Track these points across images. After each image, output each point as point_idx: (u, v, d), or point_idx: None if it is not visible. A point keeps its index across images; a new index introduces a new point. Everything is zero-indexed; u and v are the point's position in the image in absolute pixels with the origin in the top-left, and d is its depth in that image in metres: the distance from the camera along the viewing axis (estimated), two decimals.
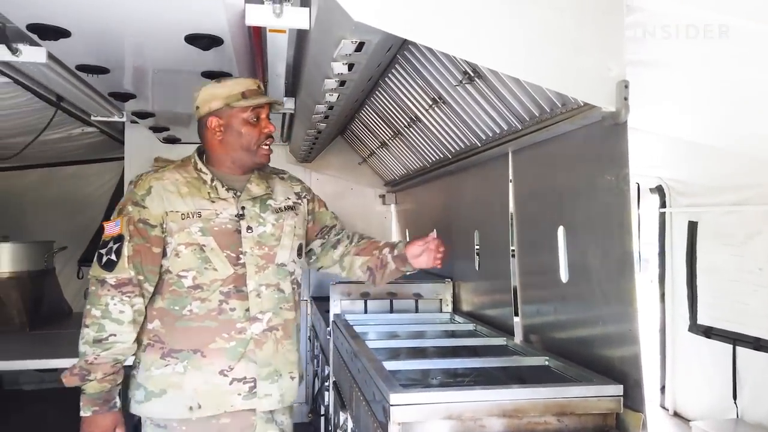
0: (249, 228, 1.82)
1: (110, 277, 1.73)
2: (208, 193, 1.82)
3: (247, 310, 1.79)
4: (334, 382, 2.98)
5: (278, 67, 2.52)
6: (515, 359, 2.22)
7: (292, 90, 3.17)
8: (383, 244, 2.05)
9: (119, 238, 1.75)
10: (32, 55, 2.34)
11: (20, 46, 2.31)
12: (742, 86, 1.88)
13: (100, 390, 1.70)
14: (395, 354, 2.59)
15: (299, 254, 1.96)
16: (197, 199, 1.81)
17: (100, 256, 1.76)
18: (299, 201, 2.01)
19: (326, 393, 3.23)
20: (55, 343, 3.15)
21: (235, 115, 1.82)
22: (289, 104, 3.30)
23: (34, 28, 1.95)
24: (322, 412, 3.37)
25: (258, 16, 1.87)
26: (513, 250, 2.56)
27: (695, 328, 2.87)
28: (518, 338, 2.46)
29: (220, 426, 1.79)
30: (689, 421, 2.83)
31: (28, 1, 1.77)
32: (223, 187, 1.84)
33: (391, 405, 1.62)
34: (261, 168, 1.94)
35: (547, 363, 2.07)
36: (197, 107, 1.87)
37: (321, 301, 4.03)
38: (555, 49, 1.65)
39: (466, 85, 2.30)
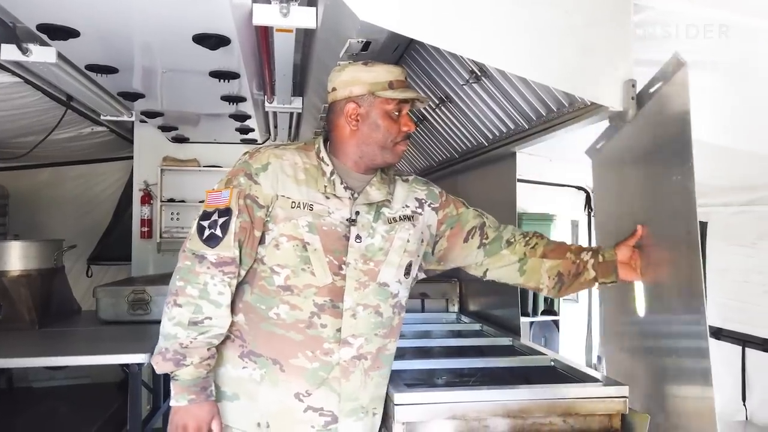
0: (358, 237, 1.58)
1: (211, 254, 1.51)
2: (324, 186, 1.60)
3: (339, 330, 1.55)
4: None
5: (285, 67, 2.53)
6: (521, 359, 2.21)
7: (299, 89, 3.19)
8: (576, 246, 1.75)
9: (226, 212, 1.53)
10: (42, 55, 2.36)
11: (30, 46, 2.33)
12: (753, 85, 1.86)
13: (196, 376, 1.49)
14: (400, 353, 2.56)
15: (407, 274, 1.67)
16: (311, 191, 1.59)
17: (202, 228, 1.54)
18: (420, 210, 1.71)
19: None
20: (64, 340, 3.17)
21: (377, 106, 1.58)
22: (296, 103, 3.31)
23: (43, 28, 1.97)
24: None
25: (265, 16, 1.88)
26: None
27: None
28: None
29: None
30: None
31: (37, 2, 1.79)
32: (341, 184, 1.61)
33: (395, 404, 1.62)
34: (385, 169, 1.70)
35: (553, 364, 2.07)
36: (334, 89, 1.62)
37: None
38: (562, 48, 1.64)
39: (473, 84, 2.30)
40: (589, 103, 1.79)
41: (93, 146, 4.66)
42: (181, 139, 4.56)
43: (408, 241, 1.64)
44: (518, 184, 2.62)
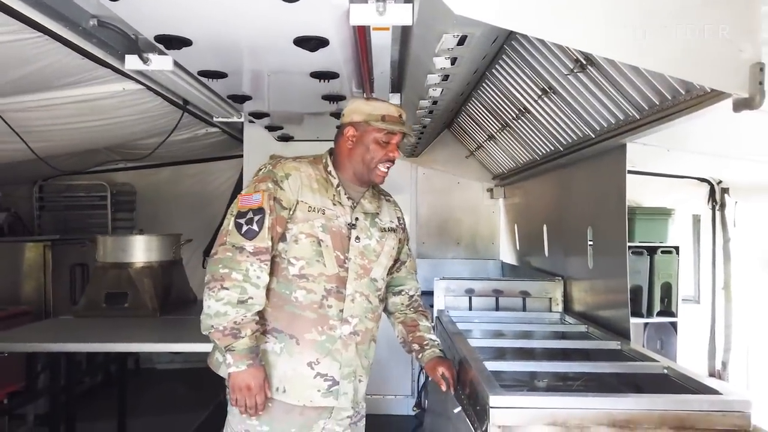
0: (357, 238, 1.97)
1: (249, 245, 1.82)
2: (333, 195, 1.96)
3: (341, 310, 1.92)
4: None
5: (382, 65, 2.53)
6: (630, 365, 2.09)
7: (397, 86, 3.19)
8: (419, 336, 2.14)
9: (260, 210, 1.85)
10: (160, 63, 2.54)
11: (150, 56, 2.52)
12: None
13: (251, 346, 1.79)
14: (500, 354, 2.53)
15: (388, 273, 2.08)
16: (324, 198, 1.94)
17: (239, 225, 1.85)
18: (399, 226, 2.14)
19: (430, 388, 3.23)
20: (182, 327, 3.41)
21: (369, 132, 1.94)
22: (394, 99, 3.32)
23: (160, 38, 2.12)
24: (427, 406, 3.38)
25: (362, 16, 1.89)
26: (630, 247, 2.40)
27: None
28: None
29: (295, 416, 1.90)
30: None
31: (155, 15, 1.92)
32: (345, 194, 1.98)
33: (491, 407, 1.58)
34: (375, 186, 2.09)
35: (665, 371, 1.93)
36: (342, 115, 2.02)
37: (426, 295, 4.02)
38: (677, 32, 1.50)
39: (578, 74, 2.18)
40: (709, 90, 1.64)
41: (207, 146, 4.98)
42: (286, 138, 4.73)
43: (393, 248, 2.07)
44: (630, 175, 2.46)
